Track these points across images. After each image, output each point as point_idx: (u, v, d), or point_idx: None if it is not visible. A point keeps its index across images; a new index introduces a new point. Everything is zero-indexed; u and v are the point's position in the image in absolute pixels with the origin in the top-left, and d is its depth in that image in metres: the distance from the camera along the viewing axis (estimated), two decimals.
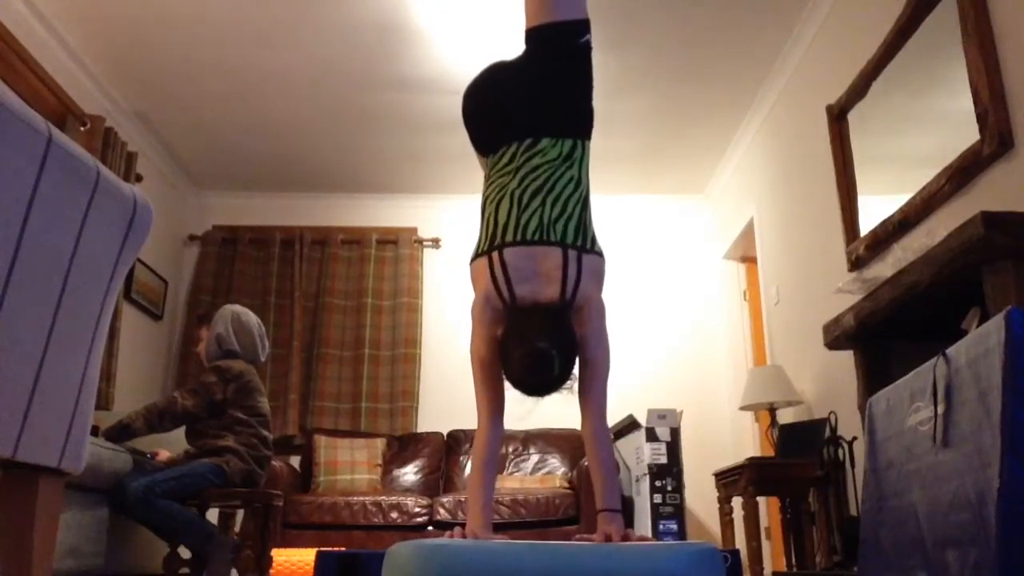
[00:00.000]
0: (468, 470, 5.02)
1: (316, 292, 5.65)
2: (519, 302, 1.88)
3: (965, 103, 2.66)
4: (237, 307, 3.46)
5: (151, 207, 1.29)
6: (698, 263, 5.79)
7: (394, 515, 4.31)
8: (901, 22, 3.04)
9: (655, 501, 3.97)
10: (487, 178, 2.08)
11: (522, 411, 4.99)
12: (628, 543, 1.57)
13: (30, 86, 3.88)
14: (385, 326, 5.58)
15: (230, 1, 3.85)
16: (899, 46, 3.10)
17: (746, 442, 5.11)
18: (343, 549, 3.17)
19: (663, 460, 4.02)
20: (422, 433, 5.21)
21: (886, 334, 2.77)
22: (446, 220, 5.87)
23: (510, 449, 5.02)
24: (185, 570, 3.07)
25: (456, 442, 5.13)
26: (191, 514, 2.99)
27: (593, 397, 1.90)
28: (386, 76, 4.46)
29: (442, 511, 4.31)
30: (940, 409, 1.67)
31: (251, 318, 3.44)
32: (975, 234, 2.06)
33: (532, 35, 2.10)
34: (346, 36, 4.11)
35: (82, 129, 4.23)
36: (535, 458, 4.98)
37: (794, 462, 3.33)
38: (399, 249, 5.73)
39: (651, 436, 4.06)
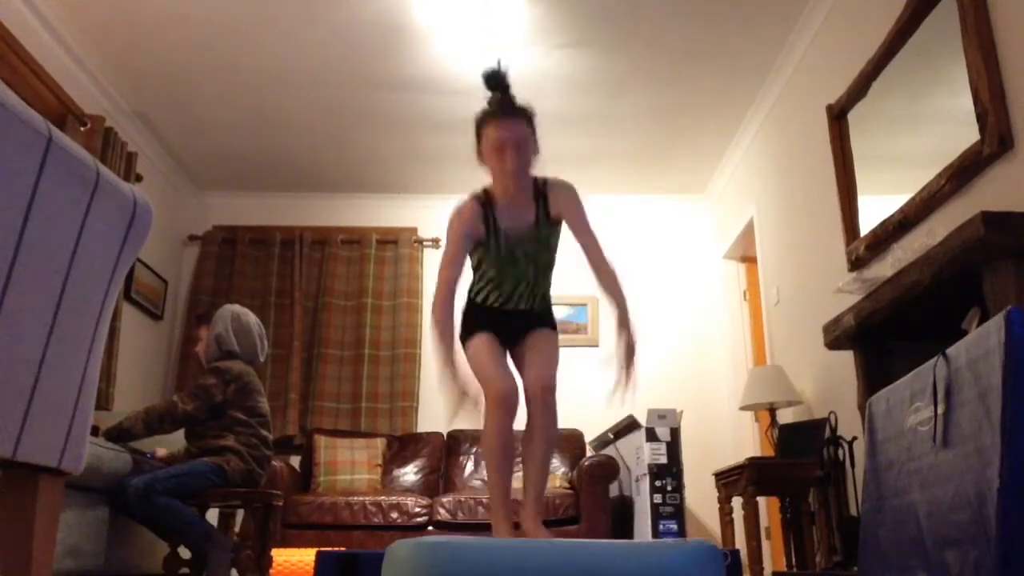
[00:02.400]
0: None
1: (316, 292, 5.65)
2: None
3: (965, 103, 2.66)
4: (237, 307, 3.46)
5: (151, 207, 1.29)
6: (698, 263, 5.78)
7: (394, 515, 4.31)
8: (901, 22, 3.04)
9: (655, 501, 3.97)
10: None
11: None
12: (627, 542, 1.57)
13: (30, 86, 3.88)
14: (385, 326, 5.58)
15: (230, 1, 3.85)
16: (899, 46, 3.10)
17: (746, 442, 5.11)
18: (343, 549, 3.17)
19: (663, 460, 4.02)
20: (422, 433, 5.21)
21: (886, 334, 2.77)
22: (446, 220, 5.86)
23: None
24: (185, 570, 3.07)
25: (456, 442, 5.13)
26: (191, 513, 2.98)
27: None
28: (386, 76, 4.46)
29: (442, 511, 4.31)
30: (940, 409, 1.67)
31: (251, 318, 3.44)
32: (975, 234, 2.06)
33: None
34: (346, 36, 4.11)
35: (82, 129, 4.22)
36: None
37: (794, 462, 3.33)
38: (399, 249, 5.73)
39: (651, 436, 4.06)
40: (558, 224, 2.56)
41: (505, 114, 2.43)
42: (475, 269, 2.66)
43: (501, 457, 2.36)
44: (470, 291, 2.67)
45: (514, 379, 2.42)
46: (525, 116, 2.45)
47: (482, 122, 2.47)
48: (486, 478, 2.51)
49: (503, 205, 2.51)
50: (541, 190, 2.52)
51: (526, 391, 2.44)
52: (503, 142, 2.40)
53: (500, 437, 2.35)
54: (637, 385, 2.39)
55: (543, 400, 2.40)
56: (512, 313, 2.59)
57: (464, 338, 2.56)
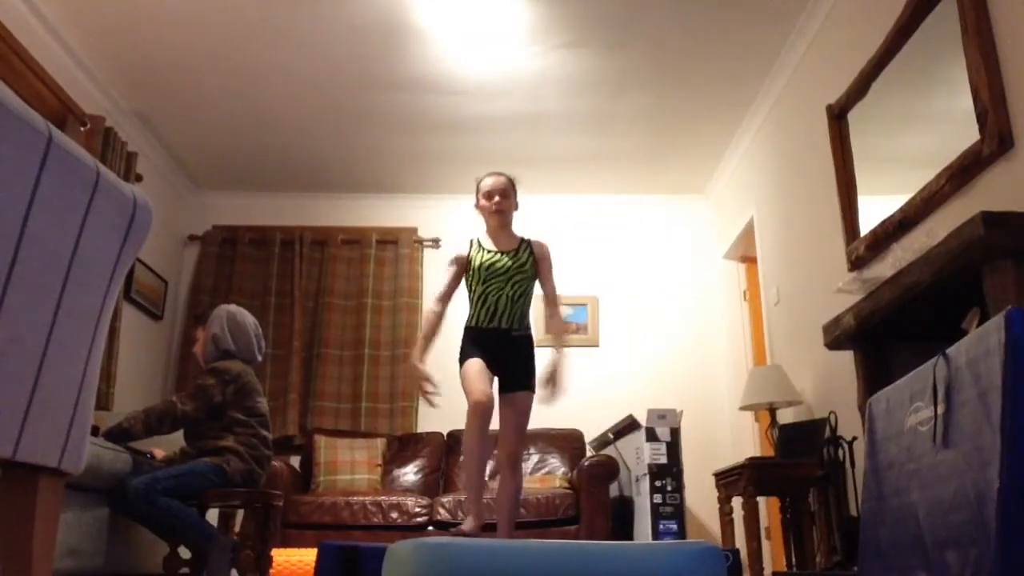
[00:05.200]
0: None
1: (316, 292, 5.64)
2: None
3: (965, 103, 2.66)
4: (233, 307, 3.45)
5: (151, 207, 1.29)
6: (698, 263, 5.78)
7: (394, 515, 4.31)
8: (901, 22, 3.04)
9: (655, 501, 3.97)
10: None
11: None
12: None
13: (30, 86, 3.88)
14: (385, 326, 5.58)
15: (230, 1, 3.85)
16: (899, 46, 3.10)
17: (746, 442, 5.11)
18: (345, 542, 3.16)
19: (663, 460, 4.02)
20: (422, 433, 5.21)
21: (886, 334, 2.77)
22: (446, 220, 5.87)
23: None
24: (185, 570, 3.07)
25: (456, 442, 5.12)
26: (192, 513, 2.98)
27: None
28: (386, 76, 4.46)
29: (442, 511, 4.31)
30: (940, 409, 1.67)
31: (247, 318, 3.43)
32: (975, 234, 2.06)
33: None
34: (346, 36, 4.11)
35: (82, 129, 4.22)
36: (535, 458, 4.98)
37: (794, 462, 3.33)
38: (399, 249, 5.73)
39: (651, 436, 4.06)
40: (536, 263, 3.35)
41: (494, 173, 3.41)
42: (470, 294, 3.34)
43: (476, 460, 2.99)
44: (467, 321, 3.32)
45: (492, 394, 3.03)
46: (508, 178, 3.40)
47: (480, 180, 3.40)
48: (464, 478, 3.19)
49: (489, 236, 3.36)
50: (526, 240, 3.38)
51: (499, 454, 3.21)
52: (491, 189, 3.33)
53: (474, 439, 2.97)
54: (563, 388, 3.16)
55: (510, 466, 3.15)
56: (497, 333, 3.22)
57: (461, 361, 3.18)
